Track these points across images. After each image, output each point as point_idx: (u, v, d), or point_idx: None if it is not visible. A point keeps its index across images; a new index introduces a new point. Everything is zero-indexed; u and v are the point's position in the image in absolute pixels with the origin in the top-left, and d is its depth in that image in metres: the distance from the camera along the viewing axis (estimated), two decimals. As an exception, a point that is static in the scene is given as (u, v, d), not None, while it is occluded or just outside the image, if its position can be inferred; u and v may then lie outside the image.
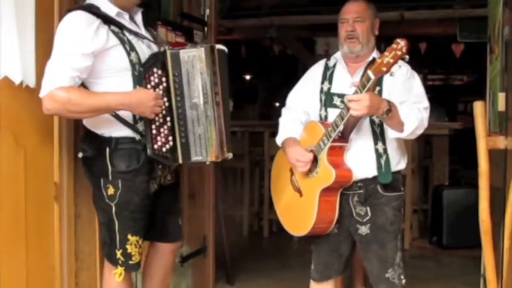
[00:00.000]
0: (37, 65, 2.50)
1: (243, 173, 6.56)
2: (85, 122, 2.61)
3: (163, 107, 2.53)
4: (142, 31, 2.66)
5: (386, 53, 2.43)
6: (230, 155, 2.70)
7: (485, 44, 3.69)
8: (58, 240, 2.76)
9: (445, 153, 6.53)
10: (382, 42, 2.95)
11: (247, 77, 11.30)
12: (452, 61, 8.24)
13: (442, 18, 6.24)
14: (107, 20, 2.47)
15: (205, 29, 4.16)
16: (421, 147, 6.51)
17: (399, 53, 2.40)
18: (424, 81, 10.62)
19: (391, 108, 2.55)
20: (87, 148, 2.60)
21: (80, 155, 2.64)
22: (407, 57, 2.43)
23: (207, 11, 4.20)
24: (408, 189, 5.72)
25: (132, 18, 2.64)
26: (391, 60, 2.41)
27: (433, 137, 6.48)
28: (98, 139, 2.56)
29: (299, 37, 7.63)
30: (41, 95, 2.36)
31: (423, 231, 6.35)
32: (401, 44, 2.40)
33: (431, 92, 10.34)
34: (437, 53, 7.91)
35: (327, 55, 3.02)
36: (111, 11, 2.51)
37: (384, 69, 2.43)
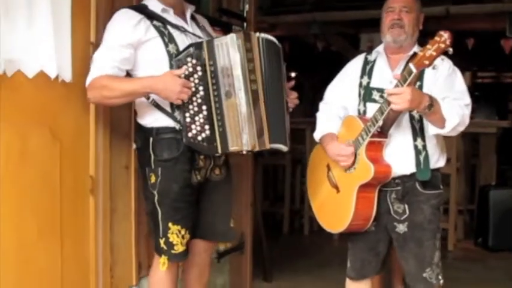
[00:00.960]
0: (73, 60, 2.60)
1: (284, 170, 6.53)
2: (137, 116, 2.74)
3: (199, 95, 2.56)
4: (189, 26, 2.74)
5: (428, 46, 2.37)
6: (277, 146, 2.65)
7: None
8: (93, 233, 2.79)
9: (493, 152, 6.36)
10: (427, 37, 2.87)
11: (293, 74, 11.29)
12: (502, 58, 7.98)
13: (490, 13, 6.03)
14: (150, 15, 2.61)
15: (245, 24, 4.13)
16: (468, 146, 6.34)
17: (442, 45, 2.33)
18: (474, 79, 10.34)
19: (432, 103, 2.49)
20: (137, 139, 2.76)
21: (133, 146, 2.83)
22: (451, 50, 2.35)
23: (247, 6, 4.18)
24: (453, 189, 5.60)
25: (183, 14, 2.76)
26: (434, 53, 2.35)
27: (480, 135, 6.31)
28: (143, 130, 2.68)
29: (343, 33, 7.54)
30: (86, 85, 2.55)
31: (468, 233, 6.19)
32: (444, 36, 2.33)
33: (481, 90, 10.07)
34: (485, 50, 7.68)
35: (371, 51, 2.97)
36: (157, 7, 2.66)
37: (427, 62, 2.37)
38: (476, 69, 10.84)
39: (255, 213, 4.45)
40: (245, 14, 4.18)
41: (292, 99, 2.80)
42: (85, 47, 2.71)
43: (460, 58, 2.55)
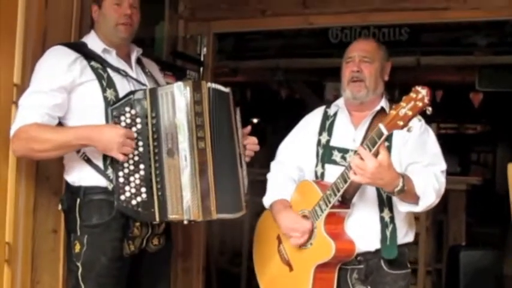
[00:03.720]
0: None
1: (243, 225, 6.16)
2: (64, 172, 2.45)
3: (136, 152, 2.25)
4: (133, 70, 2.48)
5: (402, 104, 2.03)
6: (226, 216, 2.32)
7: (504, 93, 3.35)
8: (7, 312, 2.41)
9: (462, 210, 6.17)
10: (396, 89, 2.57)
11: (255, 121, 11.30)
12: (467, 110, 7.95)
13: (461, 65, 5.97)
14: (88, 55, 2.36)
15: (202, 69, 3.87)
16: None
17: (420, 104, 2.01)
18: (437, 129, 10.36)
19: (403, 188, 2.15)
20: (64, 200, 2.42)
21: (59, 207, 2.46)
22: (430, 109, 2.02)
23: (204, 49, 3.92)
24: (422, 249, 5.34)
25: (128, 57, 2.50)
26: (410, 113, 2.02)
27: (449, 191, 6.09)
28: (70, 189, 2.39)
29: (307, 81, 7.41)
30: (10, 135, 2.26)
31: (436, 294, 5.92)
32: (422, 93, 2.01)
33: (443, 140, 10.08)
34: (453, 102, 7.65)
35: (330, 104, 2.65)
36: (98, 47, 2.41)
37: (400, 123, 2.03)
38: (440, 120, 10.90)
39: (209, 277, 4.11)
40: (202, 58, 3.90)
41: (251, 145, 2.49)
42: (7, 89, 2.40)
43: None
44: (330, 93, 7.13)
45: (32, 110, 2.24)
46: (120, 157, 2.20)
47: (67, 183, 2.40)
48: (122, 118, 2.24)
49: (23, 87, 2.38)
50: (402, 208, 2.29)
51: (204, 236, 4.03)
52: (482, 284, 5.14)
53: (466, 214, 6.19)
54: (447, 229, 6.22)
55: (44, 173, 2.60)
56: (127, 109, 2.25)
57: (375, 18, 3.78)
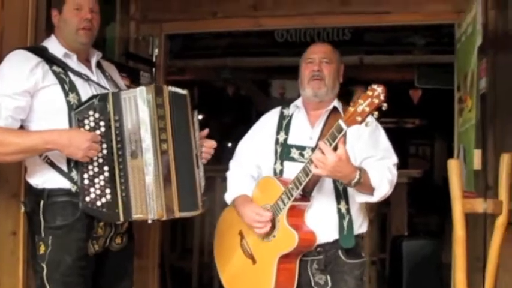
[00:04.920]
0: None
1: (193, 221, 6.20)
2: (27, 175, 2.43)
3: (100, 155, 2.28)
4: (93, 74, 2.50)
5: (360, 101, 2.15)
6: (188, 214, 2.38)
7: (442, 89, 3.56)
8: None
9: (404, 202, 6.37)
10: (341, 86, 2.72)
11: (200, 117, 11.21)
12: (407, 106, 8.20)
13: (401, 64, 6.17)
14: (49, 59, 2.36)
15: (154, 70, 3.89)
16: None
17: (376, 100, 2.13)
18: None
19: (360, 180, 2.29)
20: (26, 202, 2.42)
21: (22, 209, 2.48)
22: (385, 105, 2.14)
23: (156, 50, 3.94)
24: (367, 240, 5.50)
25: (88, 61, 2.51)
26: (367, 109, 2.14)
27: (391, 184, 6.32)
28: (33, 192, 2.37)
29: (254, 79, 7.48)
30: None
31: (381, 284, 6.11)
32: (378, 90, 2.13)
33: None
34: (394, 98, 7.89)
35: (282, 98, 2.77)
36: (58, 51, 2.41)
37: (359, 118, 2.16)
38: (381, 115, 11.15)
39: (163, 273, 4.14)
40: (154, 59, 3.93)
41: (208, 148, 2.54)
42: None
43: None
44: (275, 90, 7.22)
45: None
46: (86, 159, 2.24)
47: (30, 186, 2.39)
48: (86, 122, 2.27)
49: None
50: (359, 199, 2.43)
51: (159, 235, 4.05)
52: (424, 272, 5.36)
53: (407, 205, 6.41)
54: (390, 220, 6.41)
55: (3, 176, 2.60)
56: (90, 113, 2.28)
57: (322, 21, 3.93)
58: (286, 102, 2.74)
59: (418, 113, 11.23)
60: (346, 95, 2.64)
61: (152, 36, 4.01)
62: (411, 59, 5.98)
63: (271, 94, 7.31)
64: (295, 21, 3.95)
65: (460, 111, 3.26)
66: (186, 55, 6.35)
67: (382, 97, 2.13)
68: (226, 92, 7.76)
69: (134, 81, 3.56)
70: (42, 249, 2.30)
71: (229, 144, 8.41)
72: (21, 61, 2.32)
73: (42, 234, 2.30)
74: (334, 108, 2.54)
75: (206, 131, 2.55)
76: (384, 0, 3.68)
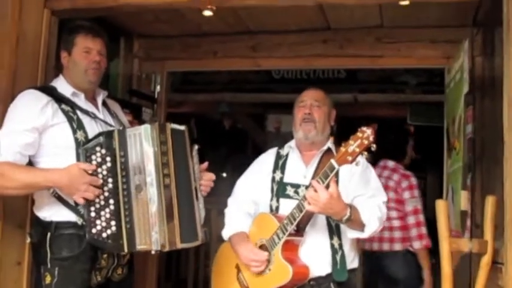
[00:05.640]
0: None
1: (188, 252, 6.25)
2: (34, 207, 2.53)
3: (106, 188, 2.40)
4: (100, 112, 2.62)
5: (351, 142, 2.30)
6: (189, 245, 2.52)
7: (434, 127, 3.70)
8: None
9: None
10: (336, 123, 2.86)
11: (196, 147, 11.18)
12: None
13: (394, 102, 6.32)
14: (58, 98, 2.49)
15: (155, 106, 4.02)
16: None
17: (366, 142, 2.27)
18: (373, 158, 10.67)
19: (351, 217, 2.42)
20: (33, 233, 2.50)
21: (28, 240, 2.55)
22: (374, 146, 2.29)
23: (158, 87, 4.07)
24: (359, 276, 5.55)
25: (94, 100, 2.65)
26: (357, 149, 2.28)
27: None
28: (41, 224, 2.47)
29: (251, 113, 7.58)
30: None
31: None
32: (367, 132, 2.27)
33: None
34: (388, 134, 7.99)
35: (278, 132, 2.90)
36: (67, 90, 2.54)
37: (350, 158, 2.30)
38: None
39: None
40: (156, 95, 4.06)
41: (208, 181, 2.65)
42: None
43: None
44: (271, 124, 7.30)
45: (4, 148, 2.36)
46: (81, 201, 2.35)
47: (37, 218, 2.49)
48: (93, 157, 2.38)
49: None
50: (350, 235, 2.55)
51: (156, 266, 4.09)
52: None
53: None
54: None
55: (10, 207, 2.69)
56: (97, 149, 2.40)
57: (318, 63, 4.08)
58: (281, 136, 2.87)
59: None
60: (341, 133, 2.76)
61: (154, 73, 4.15)
62: (404, 97, 6.11)
63: (266, 128, 7.38)
64: (292, 62, 4.10)
65: (449, 153, 3.39)
66: (185, 89, 6.46)
67: (371, 138, 2.27)
68: (223, 125, 7.86)
69: (137, 117, 3.69)
70: (48, 279, 2.39)
71: (224, 175, 8.49)
72: (32, 100, 2.45)
73: (49, 265, 2.39)
74: (328, 149, 2.68)
75: (206, 164, 2.66)
76: (377, 44, 3.84)
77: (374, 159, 3.89)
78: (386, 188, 3.68)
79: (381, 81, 6.05)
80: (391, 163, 3.91)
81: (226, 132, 8.23)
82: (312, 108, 2.69)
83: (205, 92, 6.58)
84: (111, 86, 3.89)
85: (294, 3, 3.10)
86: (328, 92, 2.81)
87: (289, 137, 2.84)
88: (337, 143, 2.63)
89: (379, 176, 3.79)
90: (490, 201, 2.50)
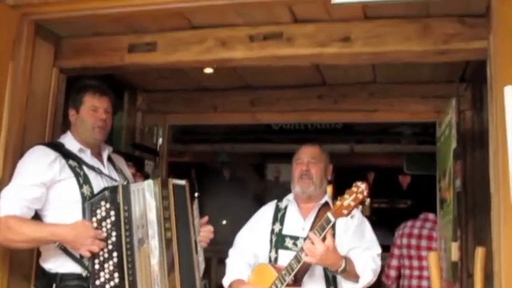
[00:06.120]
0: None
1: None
2: (40, 259, 2.60)
3: (110, 241, 2.47)
4: (105, 167, 2.71)
5: (346, 196, 2.43)
6: None
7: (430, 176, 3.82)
8: None
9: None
10: (334, 172, 2.97)
11: (196, 194, 11.19)
12: (397, 190, 8.38)
13: (390, 152, 6.44)
14: (66, 154, 2.58)
15: (157, 158, 4.13)
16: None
17: (360, 196, 2.41)
18: (370, 205, 10.69)
19: (346, 268, 2.51)
20: (38, 284, 2.58)
21: None
22: (368, 200, 2.42)
23: (160, 140, 4.19)
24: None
25: (100, 155, 2.74)
26: (352, 203, 2.41)
27: (384, 267, 6.39)
28: (46, 275, 2.53)
29: (250, 163, 7.67)
30: None
31: None
32: (361, 187, 2.41)
33: (377, 214, 10.47)
34: (384, 183, 8.06)
35: (277, 181, 3.01)
36: (74, 146, 2.65)
37: (345, 212, 2.42)
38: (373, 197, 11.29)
39: None
40: (158, 148, 4.17)
41: (207, 232, 2.71)
42: None
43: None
44: (270, 173, 7.39)
45: (12, 202, 2.45)
46: (87, 254, 2.42)
47: (43, 270, 2.56)
48: (98, 211, 2.48)
49: (3, 180, 2.59)
50: (346, 285, 2.62)
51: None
52: None
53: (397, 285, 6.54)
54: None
55: (17, 259, 2.74)
56: (102, 203, 2.49)
57: (314, 117, 4.24)
58: (280, 185, 2.97)
59: (408, 195, 11.35)
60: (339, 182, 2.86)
61: (157, 126, 4.27)
62: (399, 148, 6.25)
63: (266, 177, 7.49)
64: (289, 116, 4.25)
65: (441, 205, 3.50)
66: (185, 139, 6.58)
67: (365, 193, 2.41)
68: (223, 175, 7.95)
69: (139, 169, 3.80)
70: None
71: (224, 222, 8.52)
72: (40, 155, 2.55)
73: None
74: (326, 203, 2.78)
75: (206, 218, 2.73)
76: (371, 99, 4.00)
77: (414, 213, 4.07)
78: (430, 238, 3.86)
79: (377, 132, 6.18)
80: (431, 215, 4.05)
81: (226, 181, 8.31)
82: (309, 165, 2.81)
83: (205, 142, 6.70)
84: (115, 138, 3.98)
85: (292, 64, 3.25)
86: (325, 143, 2.94)
87: (288, 185, 2.93)
88: (335, 192, 2.75)
89: (422, 227, 3.95)
90: (479, 253, 2.57)
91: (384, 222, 8.80)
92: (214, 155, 7.04)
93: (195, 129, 6.63)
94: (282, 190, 3.00)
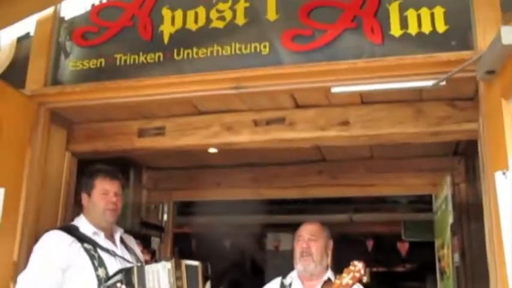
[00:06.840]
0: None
1: None
2: None
3: None
4: (118, 248, 2.78)
5: (344, 274, 2.50)
6: None
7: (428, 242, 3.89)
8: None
9: None
10: (333, 241, 3.06)
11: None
12: (396, 256, 8.41)
13: (388, 220, 6.53)
14: (81, 238, 2.65)
15: (163, 235, 4.22)
16: None
17: (358, 274, 2.48)
18: (370, 271, 10.65)
19: None
20: None
21: None
22: (365, 278, 2.51)
23: (165, 216, 4.28)
24: None
25: (112, 237, 2.81)
26: (350, 282, 2.48)
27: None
28: None
29: (250, 233, 7.72)
30: None
31: None
32: (358, 266, 2.49)
33: (376, 278, 10.44)
34: (383, 250, 8.11)
35: (277, 250, 3.08)
36: (88, 230, 2.72)
37: None
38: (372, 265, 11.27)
39: None
40: (163, 224, 4.26)
41: None
42: (6, 267, 2.70)
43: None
44: (270, 243, 7.43)
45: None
46: None
47: None
48: None
49: (19, 263, 2.67)
50: None
51: None
52: None
53: None
54: None
55: None
56: (118, 285, 2.55)
57: (314, 192, 4.37)
58: (280, 255, 3.04)
59: (407, 259, 11.35)
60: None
61: (162, 202, 4.37)
62: (396, 216, 6.34)
63: (266, 246, 7.51)
64: (290, 192, 4.39)
65: (441, 276, 3.58)
66: (187, 212, 6.66)
67: (362, 272, 2.49)
68: (224, 245, 7.99)
69: (146, 246, 3.88)
70: None
71: (224, 291, 8.50)
72: (56, 241, 2.63)
73: None
74: (328, 279, 2.86)
75: None
76: (368, 174, 4.14)
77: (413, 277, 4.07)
78: None
79: (374, 201, 6.26)
80: None
81: (227, 250, 8.33)
82: (309, 243, 2.89)
83: (207, 214, 6.76)
84: (122, 215, 4.05)
85: (294, 146, 3.39)
86: (324, 213, 3.03)
87: (287, 255, 3.00)
88: (334, 262, 2.85)
89: None
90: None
91: (384, 286, 8.82)
92: (215, 225, 7.09)
93: (197, 202, 6.70)
94: (281, 259, 3.08)
